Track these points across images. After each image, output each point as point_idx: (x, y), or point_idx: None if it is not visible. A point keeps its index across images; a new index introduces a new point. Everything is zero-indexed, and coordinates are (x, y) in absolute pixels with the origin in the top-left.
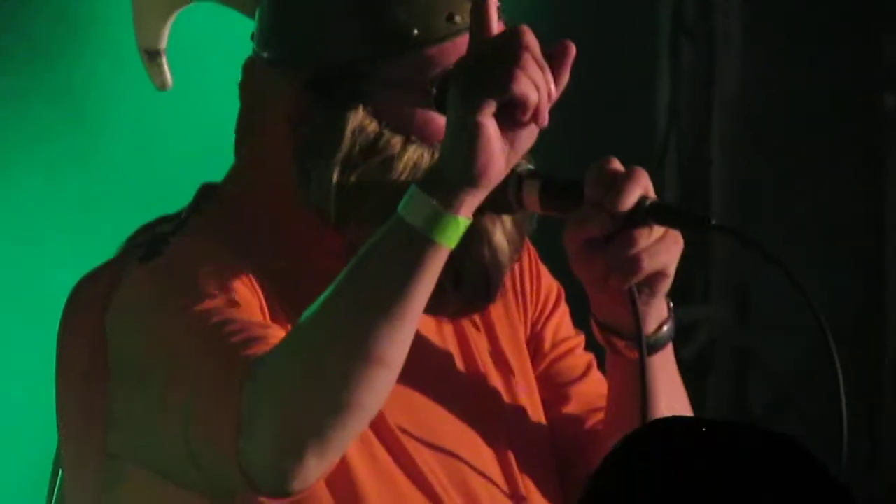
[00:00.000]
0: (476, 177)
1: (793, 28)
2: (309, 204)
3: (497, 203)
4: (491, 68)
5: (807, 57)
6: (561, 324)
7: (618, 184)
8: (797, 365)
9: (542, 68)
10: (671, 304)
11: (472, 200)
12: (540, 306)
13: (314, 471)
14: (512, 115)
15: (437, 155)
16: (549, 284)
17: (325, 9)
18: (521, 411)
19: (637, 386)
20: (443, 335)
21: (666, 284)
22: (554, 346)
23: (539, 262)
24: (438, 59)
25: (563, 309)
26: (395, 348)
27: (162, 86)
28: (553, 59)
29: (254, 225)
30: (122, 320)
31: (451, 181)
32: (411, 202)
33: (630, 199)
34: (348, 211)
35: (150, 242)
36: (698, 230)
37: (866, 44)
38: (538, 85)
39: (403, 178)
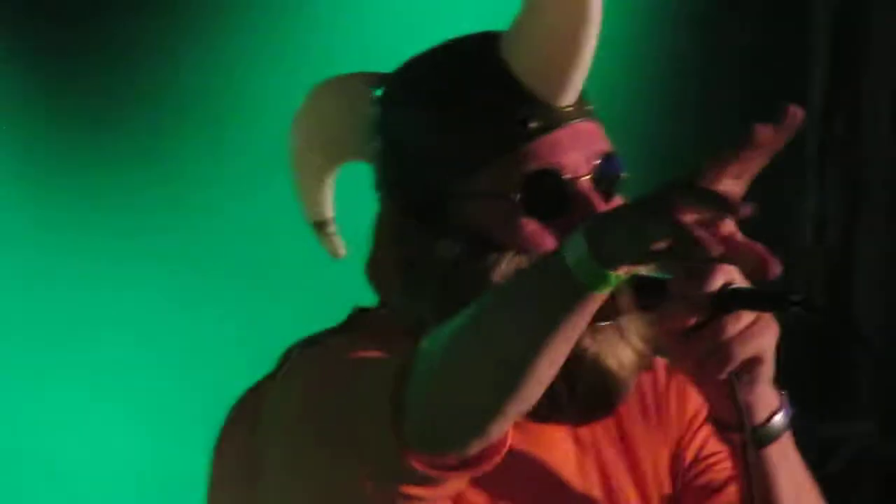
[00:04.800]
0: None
1: None
2: (418, 328)
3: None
4: (641, 233)
5: None
6: (706, 441)
7: (698, 272)
8: None
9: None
10: (784, 394)
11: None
12: (685, 426)
13: (461, 444)
14: None
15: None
16: (697, 404)
17: (409, 138)
18: None
19: (758, 482)
20: (584, 468)
21: (765, 370)
22: (695, 462)
23: (687, 382)
24: (516, 165)
25: (711, 427)
26: (544, 368)
27: (334, 254)
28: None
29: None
30: (283, 391)
31: (602, 247)
32: (573, 239)
33: (710, 286)
34: None
35: (305, 343)
36: (778, 309)
37: None
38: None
39: None
